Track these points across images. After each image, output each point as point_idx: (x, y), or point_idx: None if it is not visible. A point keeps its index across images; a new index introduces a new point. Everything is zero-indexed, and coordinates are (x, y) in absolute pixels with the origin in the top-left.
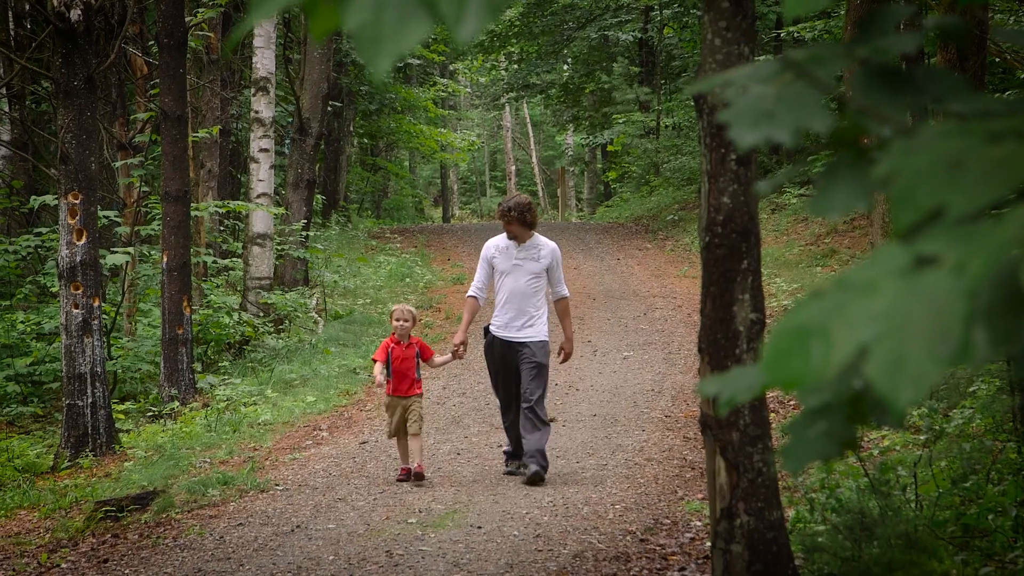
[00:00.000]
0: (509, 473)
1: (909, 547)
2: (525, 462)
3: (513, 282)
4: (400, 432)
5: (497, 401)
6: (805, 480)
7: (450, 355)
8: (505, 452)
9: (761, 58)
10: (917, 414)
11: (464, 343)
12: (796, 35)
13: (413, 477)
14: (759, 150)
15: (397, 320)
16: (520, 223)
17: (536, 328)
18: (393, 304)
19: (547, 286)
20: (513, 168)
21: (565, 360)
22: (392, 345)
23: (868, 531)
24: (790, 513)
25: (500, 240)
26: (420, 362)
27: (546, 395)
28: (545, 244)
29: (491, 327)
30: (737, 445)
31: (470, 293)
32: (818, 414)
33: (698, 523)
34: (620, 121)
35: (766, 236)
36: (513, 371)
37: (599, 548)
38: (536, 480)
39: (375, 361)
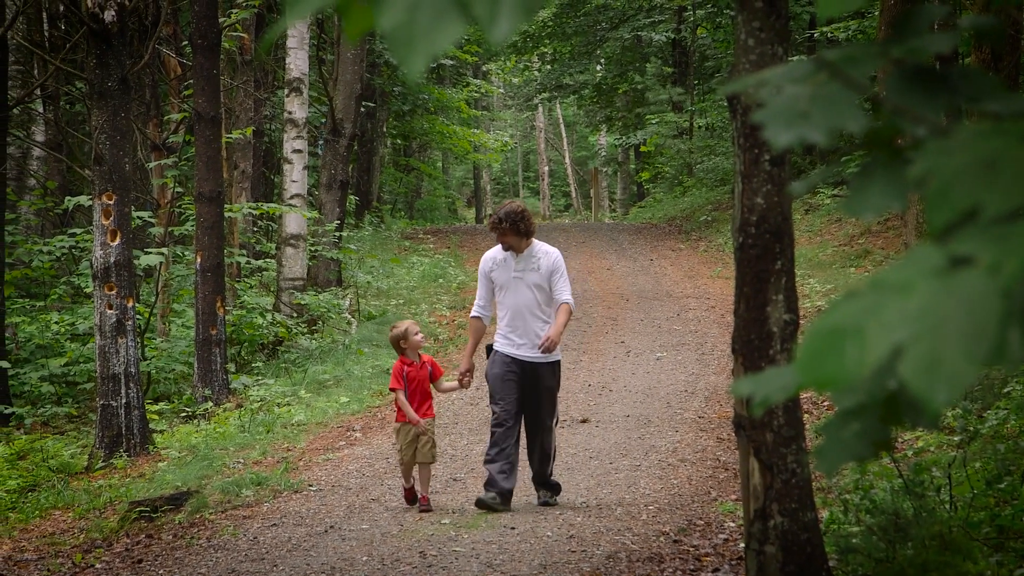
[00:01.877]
0: (481, 502)
1: (943, 548)
2: (538, 493)
3: (515, 297)
4: (413, 460)
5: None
6: (839, 481)
7: (456, 383)
8: (486, 483)
9: (795, 58)
10: (951, 415)
11: (470, 370)
12: (829, 35)
13: (420, 507)
14: (793, 150)
15: (416, 335)
16: (514, 233)
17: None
18: (397, 320)
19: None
20: (546, 169)
21: (541, 347)
22: (406, 367)
23: (902, 532)
24: (824, 514)
25: (497, 252)
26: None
27: (558, 420)
28: (545, 252)
29: (496, 345)
30: (771, 446)
31: (473, 313)
32: (852, 415)
33: (732, 524)
34: (653, 122)
35: (799, 237)
36: (519, 390)
37: (632, 549)
38: (550, 504)
39: (394, 391)
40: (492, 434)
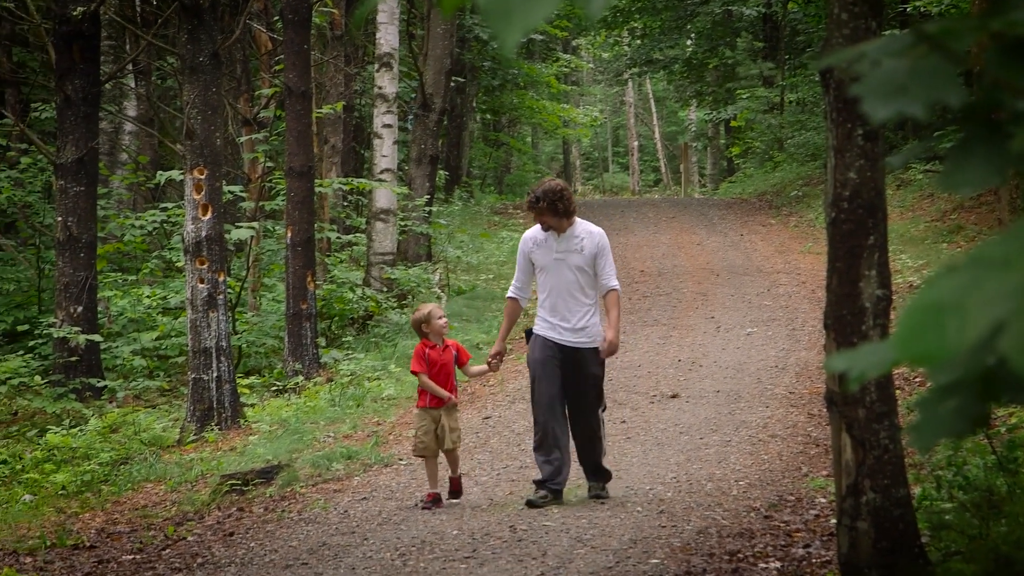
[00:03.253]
0: (532, 503)
1: None
2: (588, 483)
3: (556, 279)
4: (434, 450)
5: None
6: (931, 457)
7: (485, 366)
8: (535, 481)
9: (887, 32)
10: None
11: (500, 354)
12: (922, 9)
13: (450, 494)
14: (885, 125)
15: (440, 319)
16: (552, 213)
17: (590, 332)
18: (419, 304)
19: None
20: (636, 144)
21: (604, 354)
22: (428, 350)
23: (996, 509)
24: (916, 490)
25: (537, 231)
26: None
27: (604, 407)
28: (589, 233)
29: (536, 329)
30: (863, 422)
31: (510, 294)
32: (949, 391)
33: (822, 500)
34: (744, 96)
35: (891, 212)
36: (560, 378)
37: (723, 524)
38: (602, 497)
39: (416, 374)
40: (535, 420)
